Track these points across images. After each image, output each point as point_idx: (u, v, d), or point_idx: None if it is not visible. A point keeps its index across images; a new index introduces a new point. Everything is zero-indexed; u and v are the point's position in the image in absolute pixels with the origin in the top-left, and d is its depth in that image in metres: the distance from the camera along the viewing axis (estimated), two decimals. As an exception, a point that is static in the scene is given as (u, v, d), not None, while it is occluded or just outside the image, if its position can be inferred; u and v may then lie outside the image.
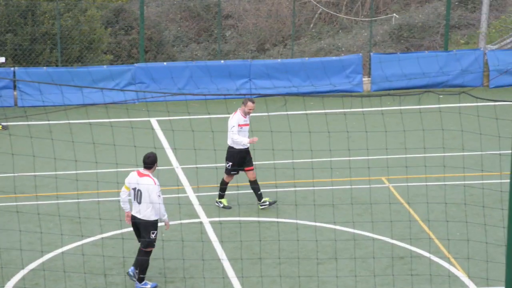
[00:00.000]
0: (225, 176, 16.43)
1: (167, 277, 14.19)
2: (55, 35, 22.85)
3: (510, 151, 9.02)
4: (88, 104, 21.04)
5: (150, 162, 13.62)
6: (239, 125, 16.14)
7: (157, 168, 13.71)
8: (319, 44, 25.36)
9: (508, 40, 26.00)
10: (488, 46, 24.99)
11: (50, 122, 19.93)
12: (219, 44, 24.44)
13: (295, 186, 17.01)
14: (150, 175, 13.54)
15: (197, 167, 17.48)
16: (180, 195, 17.08)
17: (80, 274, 14.13)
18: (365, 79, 23.50)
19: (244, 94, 22.95)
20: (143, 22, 23.37)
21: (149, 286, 13.73)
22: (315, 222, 15.87)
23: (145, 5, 24.47)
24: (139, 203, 13.45)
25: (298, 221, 16.00)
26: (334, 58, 23.55)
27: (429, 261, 14.48)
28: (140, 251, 13.56)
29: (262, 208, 16.35)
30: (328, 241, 15.16)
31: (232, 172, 16.30)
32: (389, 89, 23.18)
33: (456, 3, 27.53)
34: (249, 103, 16.16)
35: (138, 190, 13.44)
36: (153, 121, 21.25)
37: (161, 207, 13.46)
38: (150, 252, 13.62)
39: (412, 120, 19.71)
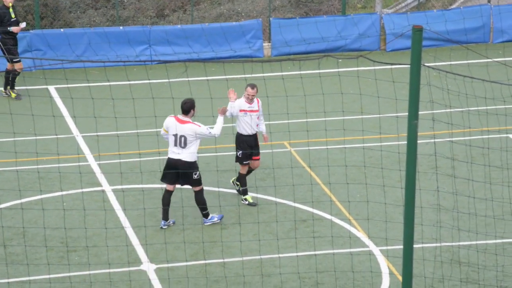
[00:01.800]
0: (240, 168, 15.54)
1: (69, 246, 14.05)
2: None
3: (407, 113, 9.22)
4: (-17, 72, 20.53)
5: (187, 108, 14.39)
6: (240, 110, 15.32)
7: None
8: (219, 10, 25.27)
9: (403, 4, 26.46)
10: (384, 10, 25.37)
11: None
12: (117, 10, 24.11)
13: (198, 153, 17.02)
14: (191, 120, 14.41)
15: (97, 135, 17.29)
16: (81, 163, 16.88)
17: (-21, 246, 13.87)
18: (265, 44, 23.58)
19: (144, 61, 22.76)
20: (38, -13, 22.84)
21: (216, 218, 14.80)
22: (219, 188, 15.93)
23: (40, -30, 23.91)
24: (183, 147, 14.37)
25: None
26: (234, 23, 23.54)
27: (331, 223, 14.73)
28: (195, 193, 14.64)
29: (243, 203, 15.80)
30: (231, 206, 15.25)
31: (244, 162, 15.45)
32: (289, 54, 23.34)
33: (353, -32, 27.78)
34: (248, 88, 15.51)
35: (181, 136, 14.33)
36: (51, 89, 20.87)
37: (216, 131, 14.67)
38: (202, 189, 14.64)
39: (312, 84, 19.91)
